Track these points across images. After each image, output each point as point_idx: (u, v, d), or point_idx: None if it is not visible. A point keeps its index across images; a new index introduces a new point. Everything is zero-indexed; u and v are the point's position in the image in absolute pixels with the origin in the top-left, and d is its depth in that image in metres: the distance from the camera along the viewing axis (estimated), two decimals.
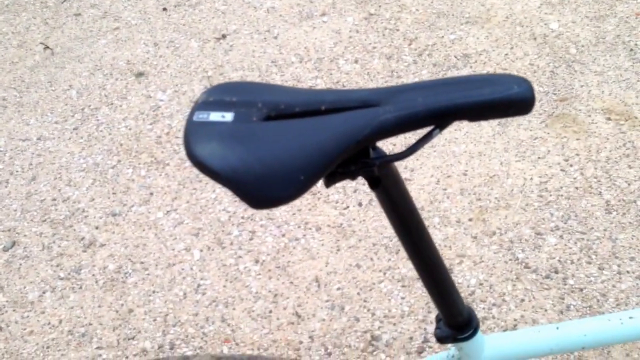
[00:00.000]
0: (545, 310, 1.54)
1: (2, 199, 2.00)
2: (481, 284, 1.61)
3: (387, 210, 0.60)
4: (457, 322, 0.72)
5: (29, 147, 2.18)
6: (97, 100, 2.33)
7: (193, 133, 0.50)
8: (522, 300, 1.57)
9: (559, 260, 1.64)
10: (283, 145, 0.48)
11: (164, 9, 2.74)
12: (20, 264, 1.80)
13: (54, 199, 1.98)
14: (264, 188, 0.47)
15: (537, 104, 2.06)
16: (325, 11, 2.59)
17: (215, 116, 0.51)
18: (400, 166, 1.92)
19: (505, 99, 0.50)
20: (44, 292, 1.72)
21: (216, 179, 0.48)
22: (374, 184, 0.56)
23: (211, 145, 0.49)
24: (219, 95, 0.53)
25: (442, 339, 0.73)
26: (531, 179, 1.85)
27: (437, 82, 0.52)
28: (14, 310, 1.69)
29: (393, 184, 0.57)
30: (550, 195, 1.79)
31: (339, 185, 1.88)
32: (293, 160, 0.47)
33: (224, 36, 2.54)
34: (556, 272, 1.61)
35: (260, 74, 2.33)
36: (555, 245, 1.67)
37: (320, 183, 0.53)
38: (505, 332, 0.77)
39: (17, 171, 2.10)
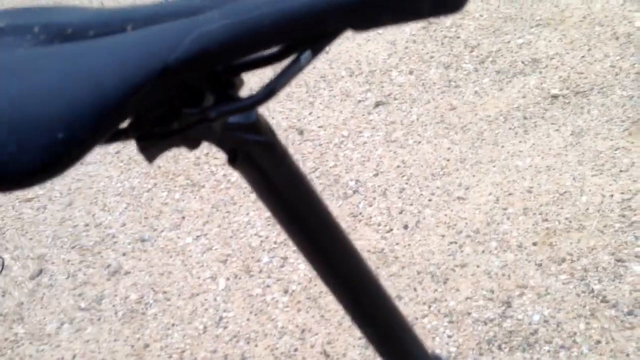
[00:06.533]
0: (627, 355, 1.24)
1: (37, 225, 1.93)
2: (546, 321, 1.33)
3: (262, 199, 0.40)
4: None
5: (71, 172, 2.11)
6: None
7: None
8: (598, 342, 1.28)
9: None
10: (36, 80, 0.29)
11: None
12: (44, 294, 1.70)
13: (87, 225, 1.88)
14: None
15: (619, 110, 1.77)
16: None
17: None
18: (454, 184, 1.68)
19: None
20: (62, 324, 1.60)
21: None
22: (230, 157, 0.36)
23: None
24: None
25: None
26: (611, 195, 1.55)
27: None
28: (30, 343, 1.57)
29: (263, 157, 0.36)
30: (635, 215, 1.50)
31: (382, 206, 1.66)
32: (48, 103, 0.28)
33: None
34: None
35: (307, 89, 2.17)
36: None
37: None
38: None
39: (55, 197, 2.03)
